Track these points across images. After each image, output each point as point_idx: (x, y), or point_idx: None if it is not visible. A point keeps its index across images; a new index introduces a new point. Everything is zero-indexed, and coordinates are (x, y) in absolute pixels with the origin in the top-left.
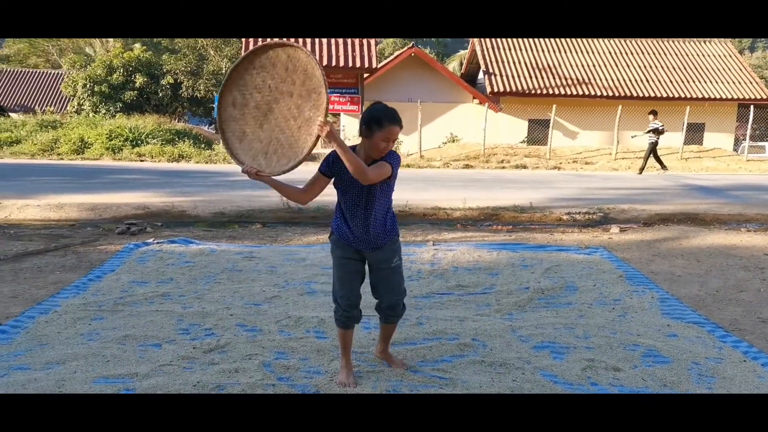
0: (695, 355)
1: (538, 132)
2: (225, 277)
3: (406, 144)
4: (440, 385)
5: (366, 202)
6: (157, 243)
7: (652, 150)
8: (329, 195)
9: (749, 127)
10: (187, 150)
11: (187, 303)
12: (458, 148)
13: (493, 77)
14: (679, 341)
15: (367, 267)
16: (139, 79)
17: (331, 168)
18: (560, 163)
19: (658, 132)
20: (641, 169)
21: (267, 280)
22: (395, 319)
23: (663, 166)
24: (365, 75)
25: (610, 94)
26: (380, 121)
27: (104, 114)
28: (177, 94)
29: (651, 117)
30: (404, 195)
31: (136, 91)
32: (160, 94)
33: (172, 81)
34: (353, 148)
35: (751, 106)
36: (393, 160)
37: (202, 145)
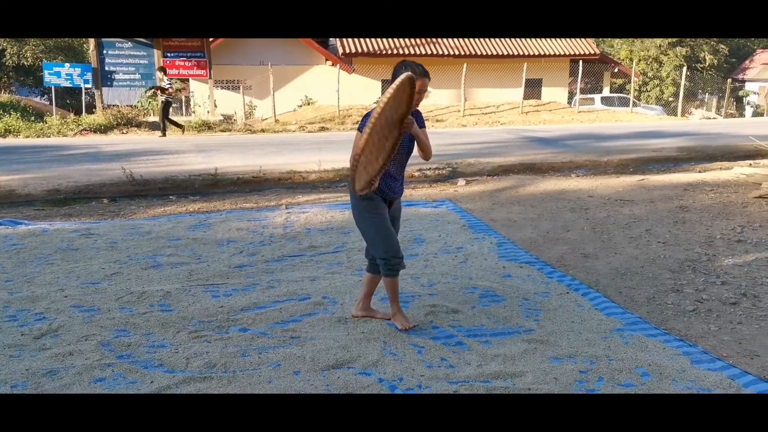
0: (525, 292)
1: None
2: (59, 258)
3: (260, 108)
4: (288, 345)
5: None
6: None
7: (164, 109)
8: (181, 165)
9: (579, 81)
10: (14, 124)
11: (14, 288)
12: (313, 111)
13: (344, 38)
14: (512, 280)
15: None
16: None
17: None
18: None
19: (163, 90)
20: (163, 132)
21: (107, 257)
22: None
23: (177, 126)
24: (211, 38)
25: (456, 53)
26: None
27: None
28: (0, 63)
29: (160, 74)
30: (258, 160)
31: None
32: None
33: None
34: None
35: (580, 62)
36: (423, 122)
37: (32, 118)
